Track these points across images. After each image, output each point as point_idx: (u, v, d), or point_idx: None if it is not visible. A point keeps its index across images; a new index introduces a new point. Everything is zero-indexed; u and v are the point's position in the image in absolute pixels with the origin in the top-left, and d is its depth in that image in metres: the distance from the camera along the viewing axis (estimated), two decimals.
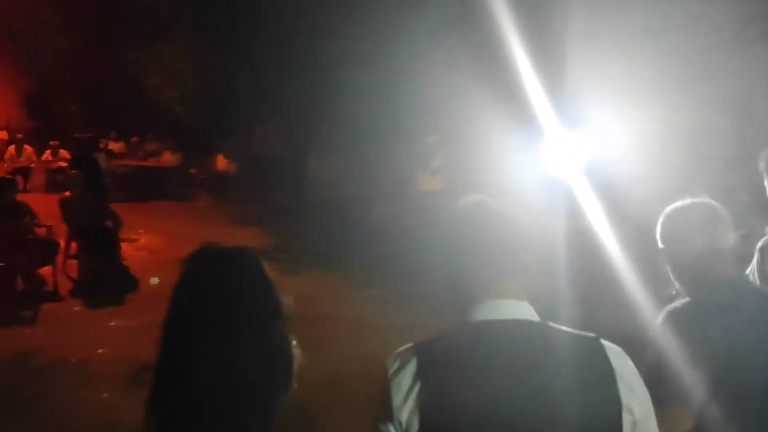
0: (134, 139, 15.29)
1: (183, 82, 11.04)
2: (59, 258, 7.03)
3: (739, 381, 1.66)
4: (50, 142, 13.34)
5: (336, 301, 6.23)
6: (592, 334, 1.28)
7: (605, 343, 1.26)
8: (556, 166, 5.59)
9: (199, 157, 14.75)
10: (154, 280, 5.91)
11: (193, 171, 14.74)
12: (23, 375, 4.68)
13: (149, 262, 7.92)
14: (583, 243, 4.67)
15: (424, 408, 1.18)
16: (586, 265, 4.65)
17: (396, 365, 1.25)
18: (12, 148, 13.48)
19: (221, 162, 14.43)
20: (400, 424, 1.20)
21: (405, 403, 1.20)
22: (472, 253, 1.34)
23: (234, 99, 10.57)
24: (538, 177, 6.09)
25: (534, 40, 6.46)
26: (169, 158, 14.96)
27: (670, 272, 1.93)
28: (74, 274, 7.18)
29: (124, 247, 7.88)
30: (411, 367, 1.22)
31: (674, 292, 1.89)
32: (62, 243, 7.23)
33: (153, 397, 1.16)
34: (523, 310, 1.29)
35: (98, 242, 7.30)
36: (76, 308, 6.22)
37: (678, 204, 1.80)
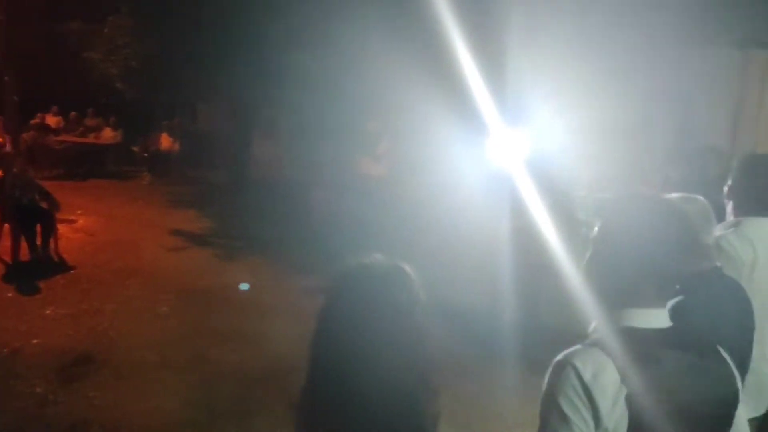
0: (73, 114, 14.73)
1: (124, 58, 10.66)
2: None
3: None
4: None
5: (276, 290, 6.21)
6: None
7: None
8: (499, 160, 5.68)
9: (141, 135, 14.35)
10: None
11: (135, 149, 14.34)
12: None
13: (87, 244, 7.72)
14: (527, 237, 4.76)
15: (632, 412, 1.27)
16: (530, 259, 4.76)
17: (591, 370, 1.29)
18: None
19: (165, 140, 14.08)
20: (606, 429, 1.28)
21: (614, 409, 1.27)
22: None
23: (177, 77, 10.28)
24: (481, 169, 6.17)
25: (476, 34, 6.51)
26: (109, 135, 14.50)
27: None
28: (7, 258, 6.94)
29: (61, 228, 7.64)
30: (612, 374, 1.28)
31: None
32: None
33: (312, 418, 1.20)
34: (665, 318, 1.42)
35: (32, 224, 7.06)
36: (8, 294, 6.02)
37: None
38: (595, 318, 1.48)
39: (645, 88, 9.15)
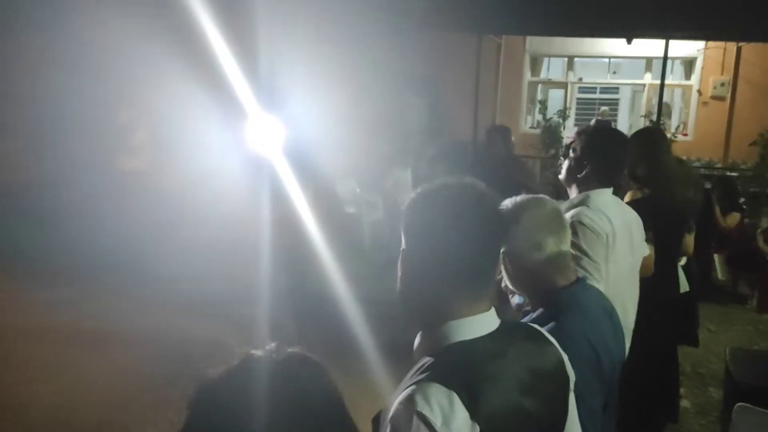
0: None
1: None
2: None
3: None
4: None
5: (10, 308, 5.37)
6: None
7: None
8: (257, 148, 5.51)
9: None
10: None
11: None
12: None
13: None
14: (289, 224, 4.69)
15: None
16: (293, 246, 4.70)
17: (438, 413, 1.14)
18: None
19: None
20: None
21: None
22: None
23: None
24: (240, 158, 5.95)
25: (229, 18, 6.25)
26: None
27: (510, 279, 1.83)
28: None
29: None
30: (461, 412, 1.15)
31: None
32: None
33: None
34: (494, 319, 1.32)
35: None
36: None
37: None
38: (417, 337, 1.35)
39: (397, 72, 9.62)
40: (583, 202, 2.42)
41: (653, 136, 3.49)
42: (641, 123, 11.27)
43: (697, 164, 10.46)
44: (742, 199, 7.43)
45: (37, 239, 6.71)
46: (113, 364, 4.42)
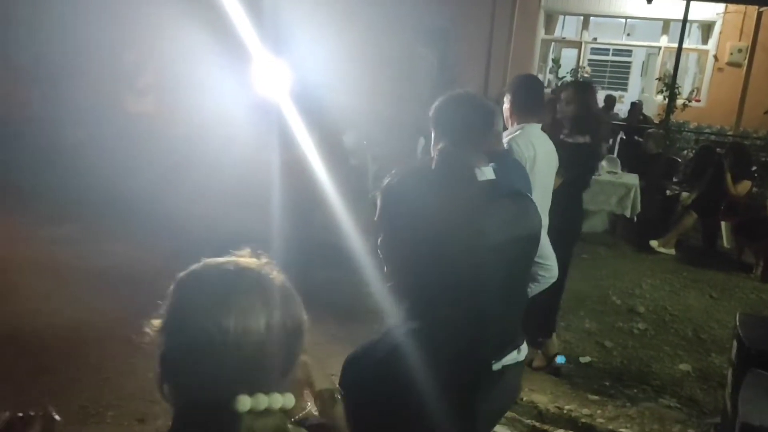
0: None
1: None
2: None
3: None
4: None
5: (14, 242, 5.37)
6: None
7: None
8: (265, 91, 5.43)
9: None
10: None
11: None
12: None
13: None
14: (295, 168, 4.67)
15: None
16: (299, 191, 4.69)
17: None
18: None
19: None
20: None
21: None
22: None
23: None
24: (248, 101, 5.89)
25: None
26: None
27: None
28: None
29: None
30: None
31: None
32: None
33: None
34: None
35: None
36: None
37: None
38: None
39: (408, 24, 9.43)
40: (517, 131, 3.25)
41: (584, 86, 4.68)
42: (654, 86, 11.09)
43: (708, 131, 10.34)
44: (753, 168, 7.36)
45: (41, 175, 6.69)
46: (114, 300, 4.43)
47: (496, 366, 1.89)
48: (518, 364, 2.02)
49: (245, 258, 1.06)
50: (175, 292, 1.02)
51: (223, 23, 5.70)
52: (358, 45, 7.76)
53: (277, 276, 1.04)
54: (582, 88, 4.44)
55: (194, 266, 1.04)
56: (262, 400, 0.93)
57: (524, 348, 2.04)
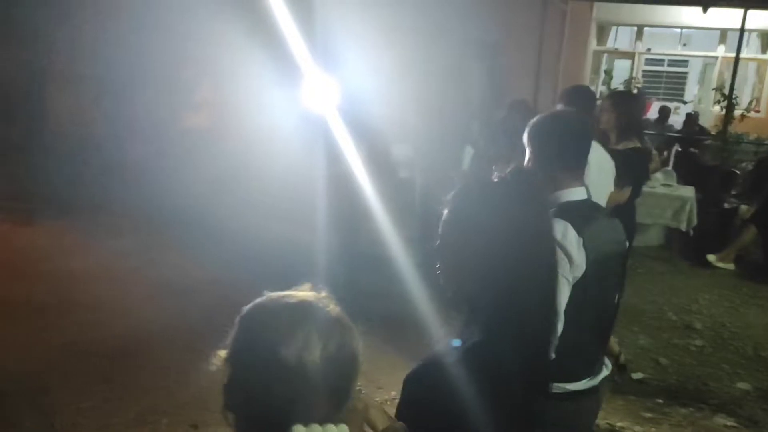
0: None
1: None
2: None
3: None
4: None
5: (80, 254, 5.60)
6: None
7: None
8: (314, 107, 5.54)
9: None
10: None
11: None
12: None
13: None
14: (343, 182, 4.74)
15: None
16: (347, 204, 4.76)
17: (559, 232, 1.85)
18: None
19: None
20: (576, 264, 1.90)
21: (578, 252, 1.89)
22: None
23: None
24: (297, 116, 6.02)
25: None
26: None
27: None
28: None
29: None
30: (571, 232, 1.90)
31: None
32: None
33: None
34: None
35: None
36: None
37: None
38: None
39: (456, 37, 9.44)
40: None
41: (622, 94, 4.91)
42: (711, 97, 10.80)
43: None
44: None
45: (105, 190, 6.96)
46: (171, 310, 4.58)
47: (592, 383, 2.01)
48: (606, 379, 2.12)
49: (305, 292, 1.11)
50: (240, 325, 1.07)
51: (275, 40, 5.86)
52: (406, 58, 7.81)
53: (334, 309, 1.09)
54: (620, 96, 4.44)
55: (258, 300, 1.09)
56: (316, 431, 0.97)
57: (608, 363, 2.15)
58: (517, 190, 1.35)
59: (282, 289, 1.12)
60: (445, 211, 1.40)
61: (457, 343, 1.27)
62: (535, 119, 2.13)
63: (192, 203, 6.28)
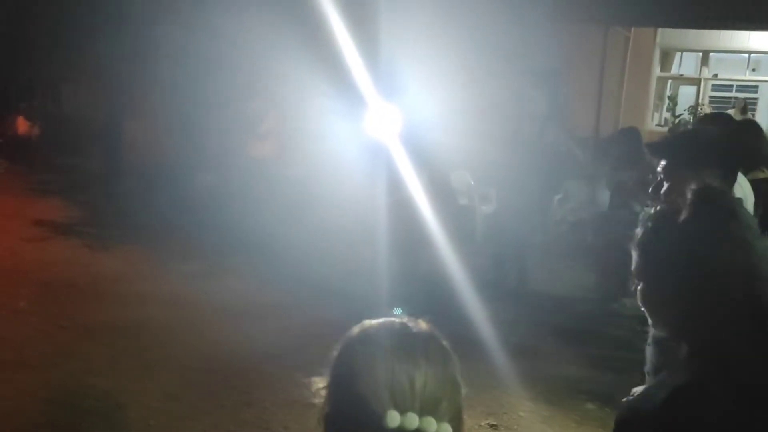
0: None
1: None
2: None
3: None
4: None
5: (151, 277, 5.87)
6: None
7: None
8: (376, 135, 5.67)
9: None
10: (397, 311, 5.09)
11: None
12: None
13: None
14: (404, 209, 4.81)
15: None
16: (407, 230, 4.82)
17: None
18: None
19: (22, 124, 12.90)
20: None
21: None
22: None
23: (36, 54, 9.45)
24: (359, 143, 6.16)
25: (354, 8, 6.45)
26: None
27: None
28: None
29: None
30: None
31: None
32: None
33: None
34: None
35: None
36: None
37: None
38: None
39: (517, 67, 9.48)
40: None
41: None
42: None
43: None
44: None
45: (176, 217, 7.28)
46: (237, 332, 4.73)
47: None
48: None
49: (404, 320, 1.09)
50: (341, 356, 1.06)
51: (339, 71, 6.05)
52: (468, 88, 7.91)
53: (433, 335, 1.08)
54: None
55: (356, 329, 1.08)
56: (412, 419, 0.96)
57: None
58: (711, 225, 1.23)
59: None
60: (644, 249, 1.33)
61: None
62: (680, 135, 2.06)
63: (258, 229, 6.50)
